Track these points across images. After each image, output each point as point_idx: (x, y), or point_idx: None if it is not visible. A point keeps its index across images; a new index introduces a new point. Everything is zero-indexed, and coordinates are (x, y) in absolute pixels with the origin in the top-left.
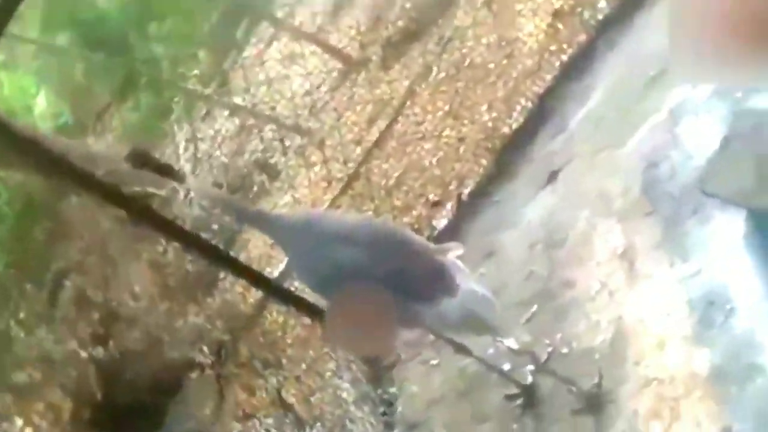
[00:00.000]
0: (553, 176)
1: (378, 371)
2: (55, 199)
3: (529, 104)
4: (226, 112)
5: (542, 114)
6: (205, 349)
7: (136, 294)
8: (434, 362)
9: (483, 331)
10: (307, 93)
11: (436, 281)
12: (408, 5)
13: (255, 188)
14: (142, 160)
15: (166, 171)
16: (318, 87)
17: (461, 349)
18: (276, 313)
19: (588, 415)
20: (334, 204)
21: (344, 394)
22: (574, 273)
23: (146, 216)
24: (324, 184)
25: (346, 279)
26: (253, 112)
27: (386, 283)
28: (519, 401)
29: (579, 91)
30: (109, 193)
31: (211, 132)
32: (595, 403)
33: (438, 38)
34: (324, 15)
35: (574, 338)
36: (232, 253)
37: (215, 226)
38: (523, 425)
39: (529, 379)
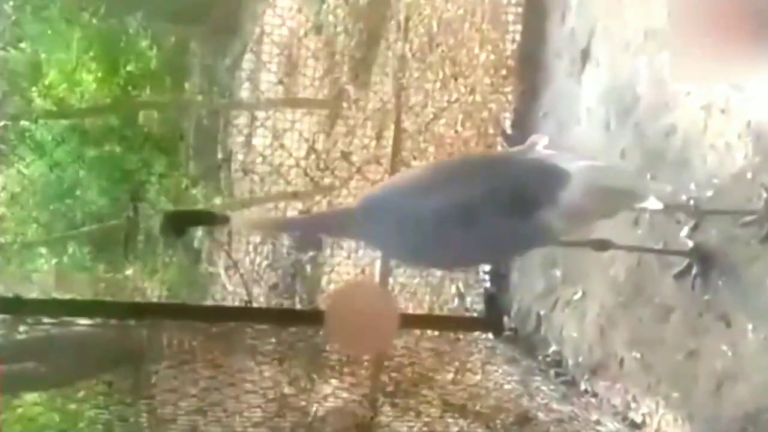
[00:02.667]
0: (585, 53)
1: (527, 340)
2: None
3: (519, 8)
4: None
5: (536, 7)
6: (363, 403)
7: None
8: (577, 296)
9: (620, 200)
10: (310, 150)
11: (543, 178)
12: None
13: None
14: (178, 222)
15: (208, 219)
16: (314, 138)
17: (603, 246)
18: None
19: None
20: None
21: (508, 377)
22: (668, 119)
23: (224, 314)
24: None
25: (457, 226)
26: (270, 197)
27: (499, 209)
28: (694, 271)
29: None
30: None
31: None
32: None
33: (396, 26)
34: (280, 75)
35: (711, 176)
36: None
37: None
38: (714, 290)
39: (690, 244)
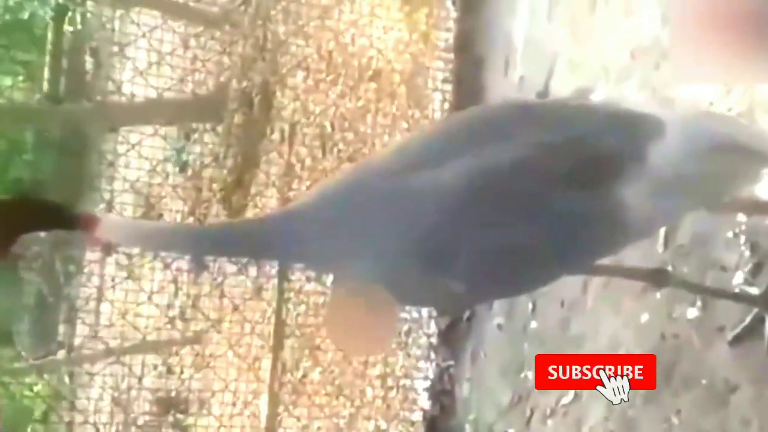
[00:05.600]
0: (543, 96)
1: None
2: None
3: (450, 65)
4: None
5: (469, 62)
6: None
7: None
8: (567, 399)
9: (742, 167)
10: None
11: (623, 126)
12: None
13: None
14: (8, 220)
15: (63, 219)
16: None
17: (662, 278)
18: None
19: None
20: None
21: None
22: None
23: None
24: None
25: (486, 211)
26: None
27: (554, 177)
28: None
29: None
30: None
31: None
32: None
33: (279, 138)
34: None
35: None
36: None
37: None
38: None
39: (754, 291)
